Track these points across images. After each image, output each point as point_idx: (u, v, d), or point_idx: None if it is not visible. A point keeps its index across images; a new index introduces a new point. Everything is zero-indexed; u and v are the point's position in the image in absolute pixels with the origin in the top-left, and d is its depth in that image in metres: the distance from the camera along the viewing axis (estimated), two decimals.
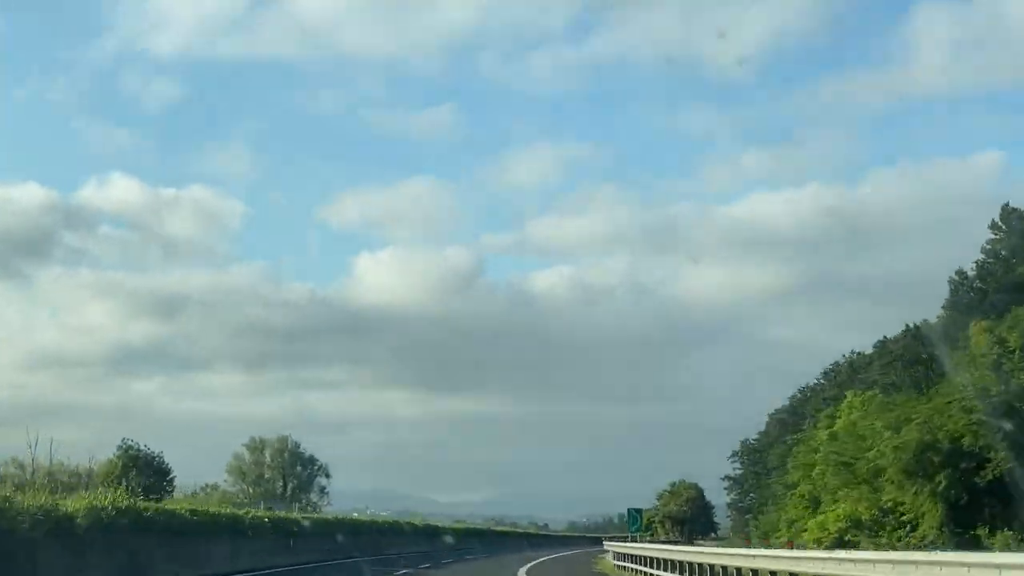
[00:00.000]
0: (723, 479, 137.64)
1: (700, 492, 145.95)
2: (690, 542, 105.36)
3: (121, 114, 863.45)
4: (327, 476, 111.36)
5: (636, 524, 77.19)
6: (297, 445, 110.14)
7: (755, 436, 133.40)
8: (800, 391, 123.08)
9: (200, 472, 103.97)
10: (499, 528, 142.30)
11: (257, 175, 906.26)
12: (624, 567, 50.29)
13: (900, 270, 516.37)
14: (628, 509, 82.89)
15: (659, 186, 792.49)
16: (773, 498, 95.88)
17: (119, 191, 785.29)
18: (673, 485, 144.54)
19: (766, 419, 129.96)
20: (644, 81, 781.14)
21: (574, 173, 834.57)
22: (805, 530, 62.58)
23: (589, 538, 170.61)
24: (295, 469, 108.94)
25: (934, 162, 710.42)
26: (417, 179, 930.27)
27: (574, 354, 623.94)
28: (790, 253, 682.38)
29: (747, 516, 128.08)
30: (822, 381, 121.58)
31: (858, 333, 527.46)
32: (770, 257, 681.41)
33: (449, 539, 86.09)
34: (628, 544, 55.68)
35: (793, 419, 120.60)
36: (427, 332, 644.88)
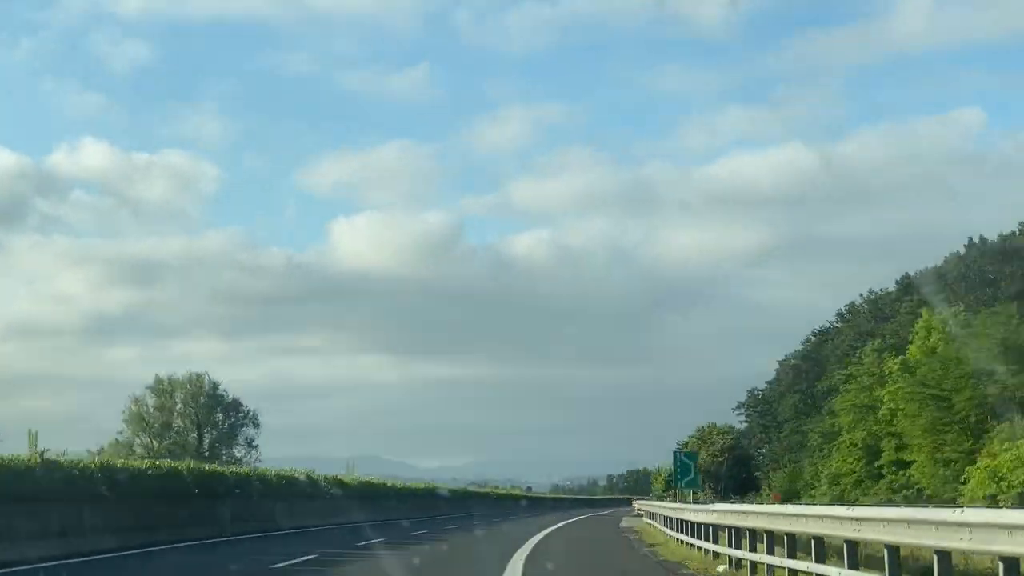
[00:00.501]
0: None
1: (737, 438, 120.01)
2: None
3: (91, 77, 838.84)
4: (255, 425, 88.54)
5: (688, 475, 56.62)
6: (216, 386, 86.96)
7: (762, 386, 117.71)
8: (815, 335, 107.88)
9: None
10: (495, 491, 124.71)
11: (231, 139, 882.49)
12: (685, 542, 33.36)
13: (882, 228, 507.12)
14: (674, 453, 62.54)
15: (637, 146, 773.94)
16: (802, 450, 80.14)
17: (91, 156, 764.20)
18: (701, 430, 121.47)
19: (776, 366, 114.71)
20: (621, 39, 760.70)
21: (551, 134, 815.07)
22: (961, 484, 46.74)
23: (600, 501, 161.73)
24: (213, 416, 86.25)
25: (915, 120, 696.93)
26: (394, 142, 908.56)
27: (554, 318, 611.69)
28: (771, 213, 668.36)
29: (756, 474, 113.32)
30: (837, 324, 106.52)
31: (840, 292, 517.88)
32: (751, 217, 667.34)
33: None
34: (690, 507, 35.42)
35: (809, 365, 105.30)
36: (406, 297, 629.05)
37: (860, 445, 52.90)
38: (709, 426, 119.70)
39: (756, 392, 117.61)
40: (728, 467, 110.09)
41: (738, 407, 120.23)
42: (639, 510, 70.84)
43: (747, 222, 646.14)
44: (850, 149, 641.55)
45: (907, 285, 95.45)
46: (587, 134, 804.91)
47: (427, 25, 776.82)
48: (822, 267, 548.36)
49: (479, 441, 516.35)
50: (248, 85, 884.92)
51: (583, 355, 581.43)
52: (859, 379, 56.36)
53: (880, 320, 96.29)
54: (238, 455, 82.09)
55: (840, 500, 49.68)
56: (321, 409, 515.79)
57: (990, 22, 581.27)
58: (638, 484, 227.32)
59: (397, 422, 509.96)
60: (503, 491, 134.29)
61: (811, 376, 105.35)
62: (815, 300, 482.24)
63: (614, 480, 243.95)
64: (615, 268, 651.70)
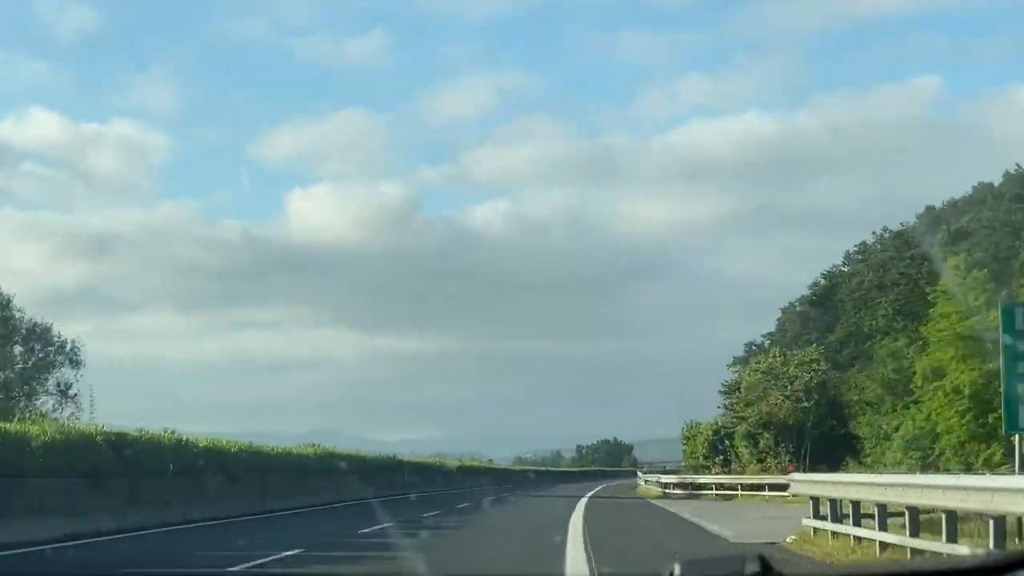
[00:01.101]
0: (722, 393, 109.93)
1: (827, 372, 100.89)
2: None
3: (37, 44, 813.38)
4: (74, 364, 57.64)
5: None
6: (7, 301, 56.91)
7: (760, 338, 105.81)
8: (825, 276, 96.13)
9: None
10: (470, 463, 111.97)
11: (183, 108, 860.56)
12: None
13: (843, 197, 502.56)
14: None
15: (597, 115, 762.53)
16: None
17: (40, 127, 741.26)
18: (749, 347, 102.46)
19: (777, 314, 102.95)
20: (582, 3, 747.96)
21: (509, 103, 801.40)
22: None
23: (589, 474, 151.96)
24: (10, 350, 56.73)
25: (875, 87, 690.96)
26: (349, 111, 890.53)
27: (515, 290, 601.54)
28: (730, 183, 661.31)
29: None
30: (845, 268, 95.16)
31: (798, 264, 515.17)
32: (710, 187, 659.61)
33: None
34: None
35: (819, 312, 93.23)
36: (365, 270, 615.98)
37: (966, 393, 39.94)
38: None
39: (754, 347, 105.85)
40: (816, 419, 65.26)
41: (734, 363, 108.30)
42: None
43: (708, 192, 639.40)
44: (810, 117, 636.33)
45: (935, 216, 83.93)
46: (547, 103, 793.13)
47: None
48: (784, 237, 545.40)
49: (440, 415, 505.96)
50: (199, 52, 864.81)
51: (545, 328, 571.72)
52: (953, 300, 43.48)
53: (905, 260, 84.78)
54: (43, 408, 52.03)
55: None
56: (281, 383, 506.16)
57: None
58: (611, 456, 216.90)
59: (357, 396, 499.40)
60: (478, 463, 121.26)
61: (821, 324, 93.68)
62: (778, 270, 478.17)
63: (583, 451, 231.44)
64: (577, 239, 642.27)
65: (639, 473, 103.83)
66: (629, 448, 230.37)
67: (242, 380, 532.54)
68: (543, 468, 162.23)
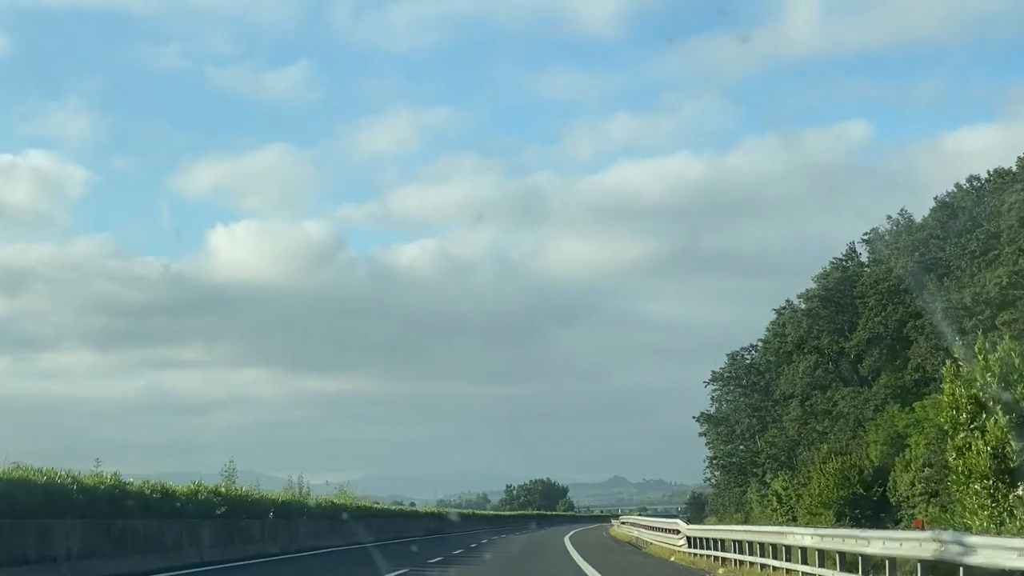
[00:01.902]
0: (698, 419, 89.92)
1: None
2: None
3: None
4: None
5: None
6: None
7: (743, 350, 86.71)
8: (838, 266, 75.98)
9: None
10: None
11: (100, 139, 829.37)
12: None
13: (769, 241, 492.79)
14: None
15: (524, 154, 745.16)
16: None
17: None
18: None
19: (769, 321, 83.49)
20: (508, 39, 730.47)
21: (435, 140, 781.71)
22: None
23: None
24: None
25: (802, 131, 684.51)
26: (271, 147, 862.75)
27: (440, 331, 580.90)
28: (658, 225, 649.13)
29: (742, 480, 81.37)
30: (846, 262, 75.54)
31: (726, 307, 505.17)
32: (638, 229, 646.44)
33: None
34: None
35: (831, 312, 73.08)
36: (287, 309, 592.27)
37: None
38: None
39: (742, 356, 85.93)
40: None
41: (713, 380, 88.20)
42: None
43: (635, 233, 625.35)
44: (737, 159, 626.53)
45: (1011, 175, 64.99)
46: (474, 140, 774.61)
47: (303, 20, 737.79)
48: (708, 280, 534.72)
49: (364, 457, 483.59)
50: (115, 80, 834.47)
51: (471, 370, 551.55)
52: None
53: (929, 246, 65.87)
54: None
55: None
56: (200, 423, 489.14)
57: (877, 31, 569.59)
58: (545, 498, 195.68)
59: (280, 437, 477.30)
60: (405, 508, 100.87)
61: (833, 328, 73.58)
62: (701, 314, 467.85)
63: (514, 492, 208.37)
64: (503, 280, 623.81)
65: (613, 521, 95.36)
66: (563, 491, 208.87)
67: (159, 419, 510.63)
68: (468, 511, 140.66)
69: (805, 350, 73.75)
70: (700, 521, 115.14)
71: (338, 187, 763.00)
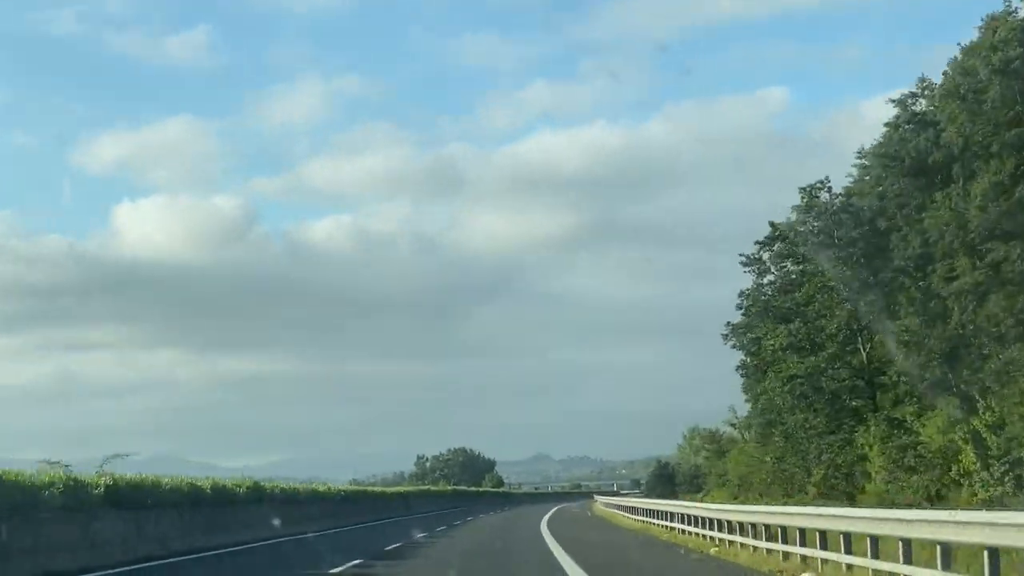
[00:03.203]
0: (729, 333, 66.75)
1: None
2: None
3: None
4: None
5: None
6: None
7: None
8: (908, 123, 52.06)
9: None
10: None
11: None
12: None
13: (688, 211, 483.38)
14: None
15: (439, 123, 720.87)
16: None
17: None
18: None
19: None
20: (419, 1, 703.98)
21: (347, 109, 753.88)
22: None
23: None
24: None
25: (721, 98, 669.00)
26: (176, 118, 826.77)
27: (357, 309, 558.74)
28: (577, 196, 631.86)
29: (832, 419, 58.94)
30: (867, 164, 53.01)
31: (646, 281, 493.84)
32: (555, 201, 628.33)
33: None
34: None
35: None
36: (200, 288, 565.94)
37: None
38: None
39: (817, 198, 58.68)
40: None
41: (751, 264, 64.87)
42: None
43: (552, 206, 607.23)
44: (656, 128, 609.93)
45: None
46: (388, 110, 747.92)
47: None
48: (629, 252, 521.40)
49: (284, 439, 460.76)
50: (8, 48, 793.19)
51: (389, 347, 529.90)
52: None
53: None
54: None
55: None
56: (116, 408, 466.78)
57: None
58: (467, 471, 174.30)
59: (197, 420, 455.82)
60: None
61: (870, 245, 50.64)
62: (622, 288, 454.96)
63: (427, 463, 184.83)
64: (419, 256, 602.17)
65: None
66: (491, 464, 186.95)
67: (73, 405, 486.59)
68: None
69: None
70: (672, 496, 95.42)
71: (248, 159, 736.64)
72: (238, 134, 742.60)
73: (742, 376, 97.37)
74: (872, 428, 44.94)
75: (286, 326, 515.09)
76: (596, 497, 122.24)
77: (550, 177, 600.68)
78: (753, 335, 63.50)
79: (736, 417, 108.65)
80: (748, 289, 65.43)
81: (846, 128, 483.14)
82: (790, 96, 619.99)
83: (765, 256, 63.70)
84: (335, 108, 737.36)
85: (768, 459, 69.79)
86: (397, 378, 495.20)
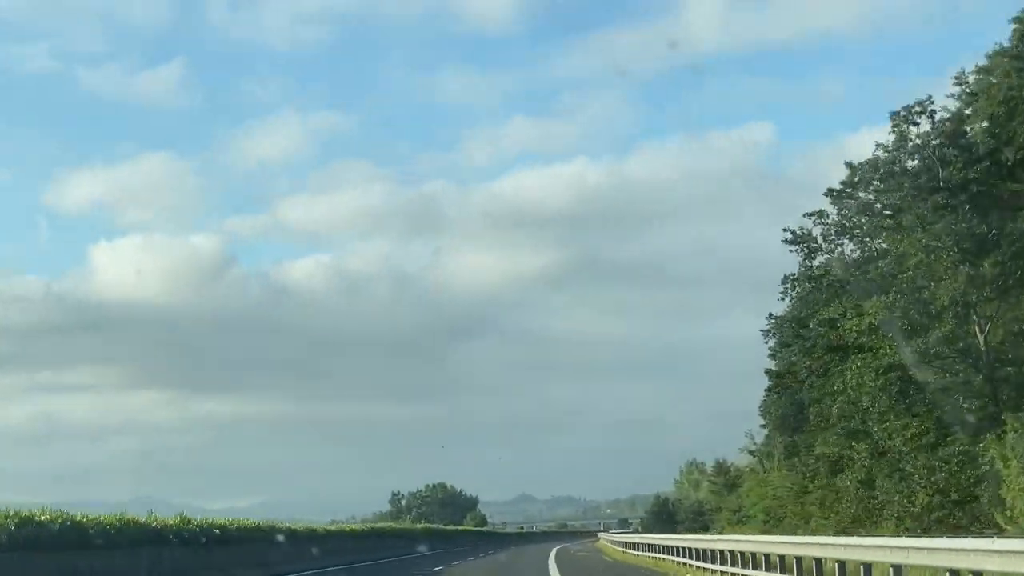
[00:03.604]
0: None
1: None
2: None
3: None
4: None
5: None
6: None
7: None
8: None
9: None
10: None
11: None
12: None
13: (674, 250, 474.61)
14: None
15: (418, 161, 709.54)
16: None
17: None
18: None
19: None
20: (397, 35, 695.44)
21: (324, 146, 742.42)
22: None
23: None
24: None
25: (705, 134, 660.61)
26: (151, 155, 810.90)
27: (338, 349, 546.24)
28: (559, 234, 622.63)
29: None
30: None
31: (629, 319, 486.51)
32: (537, 239, 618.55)
33: None
34: None
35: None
36: (178, 328, 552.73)
37: None
38: None
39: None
40: None
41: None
42: None
43: (534, 244, 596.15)
44: (639, 164, 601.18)
45: None
46: (366, 147, 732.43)
47: (174, 11, 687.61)
48: (612, 292, 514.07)
49: (264, 480, 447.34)
50: None
51: (368, 388, 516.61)
52: None
53: None
54: None
55: None
56: (94, 449, 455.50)
57: (780, 26, 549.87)
58: (448, 509, 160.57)
59: (177, 462, 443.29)
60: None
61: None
62: (604, 327, 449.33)
63: (403, 501, 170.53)
64: (400, 295, 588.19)
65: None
66: (473, 501, 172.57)
67: (51, 446, 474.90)
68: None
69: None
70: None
71: (225, 197, 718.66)
72: (215, 172, 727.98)
73: (769, 392, 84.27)
74: (1010, 435, 31.65)
75: (265, 367, 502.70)
76: (600, 535, 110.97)
77: (531, 214, 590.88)
78: (795, 332, 50.47)
79: (754, 443, 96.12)
80: (793, 275, 52.44)
81: (829, 162, 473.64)
82: (776, 131, 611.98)
83: (817, 232, 50.64)
84: (312, 145, 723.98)
85: (811, 486, 57.30)
86: (378, 418, 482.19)
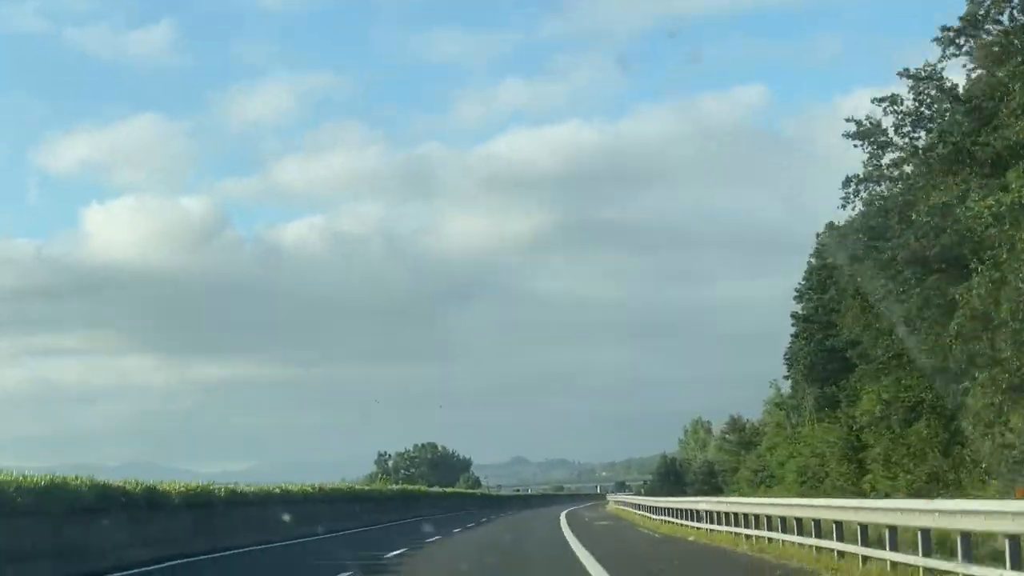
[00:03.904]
0: None
1: None
2: None
3: None
4: None
5: None
6: None
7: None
8: None
9: None
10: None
11: None
12: None
13: (666, 211, 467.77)
14: None
15: (411, 122, 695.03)
16: None
17: None
18: None
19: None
20: None
21: (317, 107, 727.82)
22: None
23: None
24: None
25: (698, 96, 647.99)
26: (142, 116, 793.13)
27: (331, 312, 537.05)
28: (554, 196, 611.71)
29: None
30: None
31: (624, 282, 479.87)
32: (530, 201, 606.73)
33: None
34: None
35: None
36: (172, 292, 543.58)
37: None
38: None
39: None
40: None
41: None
42: None
43: (528, 206, 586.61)
44: (632, 126, 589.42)
45: None
46: (358, 108, 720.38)
47: None
48: (606, 254, 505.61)
49: (260, 444, 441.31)
50: None
51: (362, 351, 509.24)
52: None
53: None
54: None
55: None
56: (89, 413, 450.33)
57: None
58: (438, 470, 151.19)
59: (172, 426, 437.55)
60: None
61: None
62: (599, 290, 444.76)
63: (389, 461, 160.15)
64: (395, 257, 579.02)
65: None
66: (466, 463, 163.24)
67: (46, 411, 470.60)
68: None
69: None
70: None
71: (217, 159, 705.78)
72: (206, 133, 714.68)
73: (795, 339, 74.90)
74: None
75: (259, 330, 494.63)
76: (611, 498, 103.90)
77: (525, 177, 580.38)
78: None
79: (780, 395, 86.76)
80: (856, 176, 42.59)
81: (824, 124, 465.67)
82: (769, 93, 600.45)
83: (888, 123, 40.70)
84: (304, 106, 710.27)
85: (872, 439, 48.88)
86: (371, 381, 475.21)
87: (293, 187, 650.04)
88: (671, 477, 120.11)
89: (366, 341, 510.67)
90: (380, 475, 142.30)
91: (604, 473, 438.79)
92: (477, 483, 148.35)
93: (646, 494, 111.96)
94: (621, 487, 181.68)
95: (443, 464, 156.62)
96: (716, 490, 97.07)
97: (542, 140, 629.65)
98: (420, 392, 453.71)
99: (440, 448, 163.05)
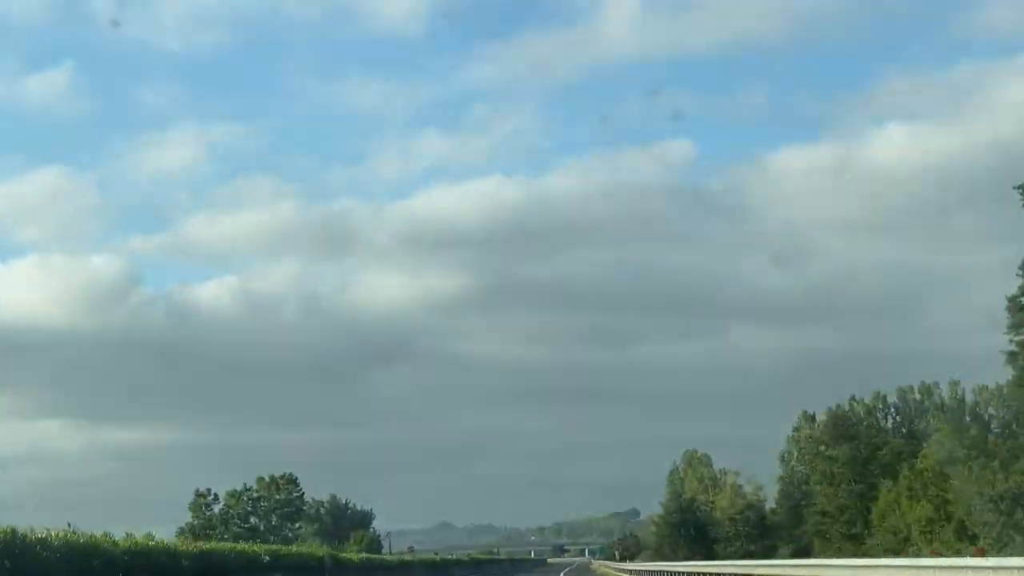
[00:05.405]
0: None
1: None
2: None
3: None
4: None
5: None
6: None
7: None
8: None
9: None
10: None
11: None
12: None
13: (591, 272, 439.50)
14: None
15: (326, 175, 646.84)
16: None
17: None
18: None
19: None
20: (299, 36, 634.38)
21: (226, 160, 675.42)
22: None
23: None
24: None
25: (623, 151, 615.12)
26: (45, 169, 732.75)
27: (246, 375, 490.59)
28: (474, 254, 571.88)
29: None
30: None
31: (546, 344, 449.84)
32: (451, 260, 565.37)
33: None
34: None
35: None
36: (81, 354, 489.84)
37: None
38: None
39: None
40: None
41: None
42: None
43: (449, 265, 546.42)
44: (554, 182, 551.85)
45: None
46: (270, 160, 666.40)
47: (58, 8, 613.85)
48: (528, 315, 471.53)
49: (175, 510, 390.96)
50: None
51: (279, 415, 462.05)
52: None
53: None
54: None
55: None
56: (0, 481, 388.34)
57: (699, 35, 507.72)
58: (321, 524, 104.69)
59: (88, 493, 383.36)
60: None
61: None
62: (520, 352, 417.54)
63: (213, 506, 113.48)
64: (310, 319, 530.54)
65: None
66: (364, 515, 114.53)
67: None
68: None
69: None
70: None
71: (125, 214, 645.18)
72: (113, 187, 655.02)
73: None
74: None
75: (173, 394, 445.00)
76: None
77: (445, 234, 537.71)
78: None
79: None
80: None
81: (750, 180, 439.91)
82: (694, 148, 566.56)
83: None
84: (214, 158, 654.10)
85: None
86: (290, 445, 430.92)
87: (205, 244, 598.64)
88: (691, 530, 74.58)
89: (284, 404, 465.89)
90: (194, 526, 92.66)
91: (532, 537, 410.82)
92: (374, 544, 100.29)
93: (605, 558, 76.04)
94: (560, 551, 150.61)
95: (335, 515, 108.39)
96: (804, 553, 55.83)
97: (463, 195, 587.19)
98: (342, 455, 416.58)
99: (332, 497, 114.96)
